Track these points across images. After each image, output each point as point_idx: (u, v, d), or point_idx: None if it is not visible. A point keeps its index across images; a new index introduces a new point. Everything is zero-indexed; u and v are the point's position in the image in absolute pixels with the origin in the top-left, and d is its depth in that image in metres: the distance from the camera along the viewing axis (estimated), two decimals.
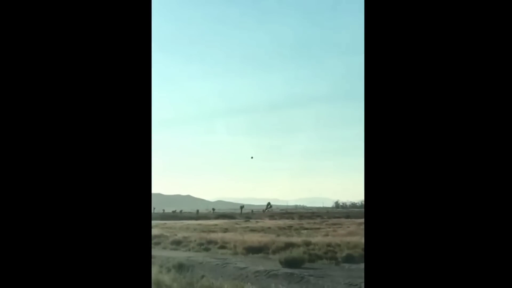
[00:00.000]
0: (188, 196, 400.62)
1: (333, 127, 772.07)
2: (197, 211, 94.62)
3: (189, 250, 20.42)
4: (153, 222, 49.29)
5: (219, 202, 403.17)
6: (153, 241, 24.77)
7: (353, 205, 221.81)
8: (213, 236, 24.52)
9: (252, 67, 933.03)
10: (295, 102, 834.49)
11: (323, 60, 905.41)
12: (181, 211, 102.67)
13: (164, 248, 21.67)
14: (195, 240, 23.04)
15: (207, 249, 20.48)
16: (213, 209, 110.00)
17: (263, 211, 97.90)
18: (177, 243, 22.98)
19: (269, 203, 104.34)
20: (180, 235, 25.88)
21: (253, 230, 31.36)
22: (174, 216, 70.83)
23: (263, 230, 31.50)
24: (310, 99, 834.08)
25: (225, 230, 31.56)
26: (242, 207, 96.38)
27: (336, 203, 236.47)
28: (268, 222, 45.10)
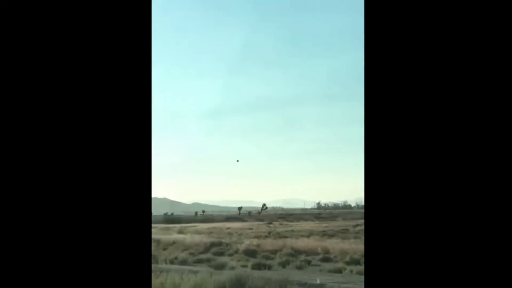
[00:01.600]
0: (165, 199, 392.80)
1: (307, 129, 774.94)
2: (196, 213, 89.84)
3: (289, 265, 15.04)
4: (171, 225, 44.18)
5: (196, 204, 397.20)
6: (215, 249, 19.84)
7: (336, 206, 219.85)
8: (295, 243, 19.31)
9: (224, 69, 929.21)
10: (267, 104, 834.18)
11: (296, 61, 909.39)
12: (172, 213, 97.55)
13: (246, 263, 16.26)
14: (279, 250, 17.86)
15: (308, 262, 15.39)
16: (203, 211, 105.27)
17: (258, 212, 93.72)
18: (253, 254, 17.71)
19: (264, 205, 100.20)
20: (247, 242, 20.70)
21: (313, 234, 26.38)
22: (178, 219, 64.94)
23: (324, 234, 26.63)
24: (283, 101, 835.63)
25: (280, 235, 26.61)
26: (240, 208, 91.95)
27: (318, 204, 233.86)
28: (300, 225, 40.07)
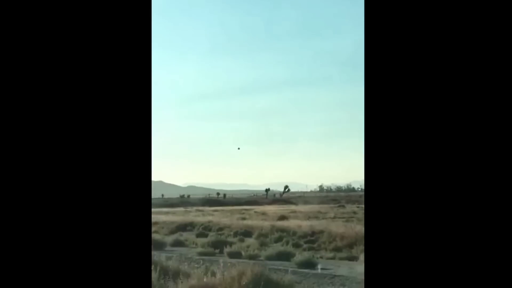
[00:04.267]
0: (160, 182, 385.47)
1: (302, 112, 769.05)
2: (224, 195, 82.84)
3: None
4: (220, 208, 37.92)
5: (191, 187, 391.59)
6: None
7: (339, 189, 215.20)
8: None
9: (218, 52, 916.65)
10: (262, 87, 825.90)
11: (284, 44, 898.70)
12: (189, 196, 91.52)
13: None
14: None
15: None
16: (218, 194, 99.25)
17: (280, 195, 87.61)
18: None
19: (286, 186, 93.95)
20: None
21: None
22: (218, 201, 58.02)
23: None
24: (277, 84, 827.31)
25: None
26: (267, 190, 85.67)
27: (320, 186, 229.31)
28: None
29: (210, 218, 23.95)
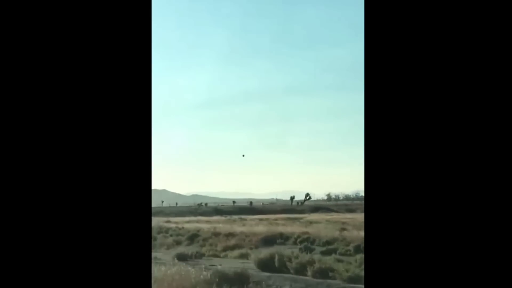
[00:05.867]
0: (164, 191, 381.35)
1: (299, 120, 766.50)
2: (251, 203, 78.78)
3: None
4: (263, 217, 34.05)
5: (195, 196, 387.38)
6: None
7: (347, 198, 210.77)
8: None
9: (223, 61, 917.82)
10: (264, 95, 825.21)
11: (287, 54, 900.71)
12: (206, 204, 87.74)
13: None
14: None
15: None
16: (234, 202, 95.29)
17: (302, 203, 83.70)
18: None
19: (307, 194, 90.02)
20: None
21: None
22: (250, 208, 53.92)
23: None
24: (280, 92, 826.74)
25: None
26: (292, 198, 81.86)
27: (328, 195, 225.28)
28: None
29: (302, 229, 19.84)
